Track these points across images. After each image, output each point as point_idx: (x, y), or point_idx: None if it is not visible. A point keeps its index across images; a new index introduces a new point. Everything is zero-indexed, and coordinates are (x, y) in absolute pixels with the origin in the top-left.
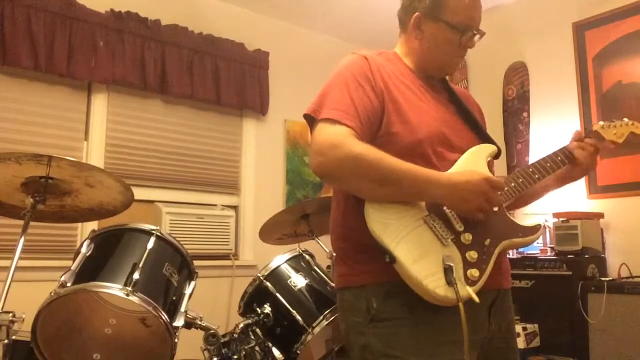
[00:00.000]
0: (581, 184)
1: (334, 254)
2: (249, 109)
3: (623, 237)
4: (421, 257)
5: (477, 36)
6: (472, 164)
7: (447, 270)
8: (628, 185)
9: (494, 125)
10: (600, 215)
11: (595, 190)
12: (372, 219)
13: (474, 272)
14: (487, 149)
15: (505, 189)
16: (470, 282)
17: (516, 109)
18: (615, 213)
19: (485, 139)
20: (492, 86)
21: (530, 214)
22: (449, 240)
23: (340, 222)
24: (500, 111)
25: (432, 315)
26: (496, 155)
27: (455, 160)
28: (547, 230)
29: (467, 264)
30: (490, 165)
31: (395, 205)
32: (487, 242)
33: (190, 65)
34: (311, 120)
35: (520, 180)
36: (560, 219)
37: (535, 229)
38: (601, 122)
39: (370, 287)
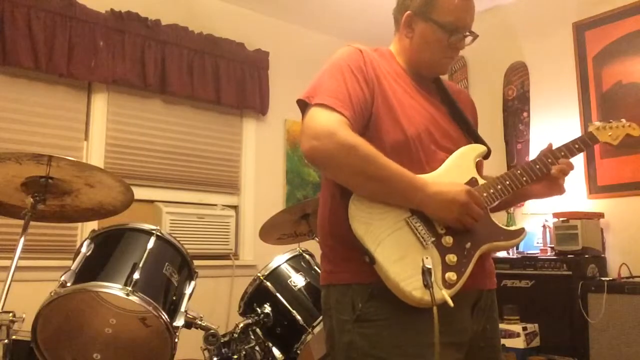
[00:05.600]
0: (581, 184)
1: (320, 251)
2: (249, 109)
3: (623, 237)
4: (401, 258)
5: (470, 38)
6: (460, 164)
7: (425, 273)
8: (628, 185)
9: (494, 125)
10: (600, 215)
11: (595, 190)
12: (355, 219)
13: (451, 276)
14: (477, 149)
15: (491, 191)
16: (448, 285)
17: (516, 109)
18: (615, 213)
19: (476, 139)
20: (492, 86)
21: (530, 214)
22: (430, 242)
23: (327, 219)
24: (500, 111)
25: (415, 316)
26: (486, 156)
27: (444, 160)
28: (547, 230)
29: (445, 267)
30: (479, 165)
31: (379, 206)
32: (468, 245)
33: (191, 65)
34: (304, 105)
35: (507, 182)
36: (561, 219)
37: (518, 233)
38: (597, 123)
39: (355, 287)
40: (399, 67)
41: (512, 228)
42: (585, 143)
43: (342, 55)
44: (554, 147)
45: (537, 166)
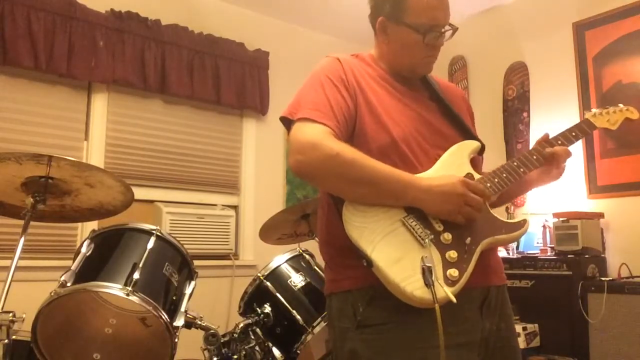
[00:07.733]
0: (581, 184)
1: (323, 261)
2: (249, 109)
3: (623, 237)
4: (399, 259)
5: (449, 32)
6: (454, 161)
7: (425, 272)
8: (628, 185)
9: (494, 125)
10: (600, 215)
11: (595, 190)
12: (350, 223)
13: (453, 272)
14: (470, 145)
15: (488, 184)
16: (450, 282)
17: (516, 109)
18: (615, 213)
19: (469, 135)
20: (492, 86)
21: (530, 214)
22: (428, 240)
23: (325, 228)
24: (500, 111)
25: (418, 318)
26: (480, 151)
27: (437, 158)
28: (547, 230)
29: (446, 264)
30: (475, 161)
31: (373, 209)
32: (468, 240)
33: (191, 65)
34: (288, 122)
35: (504, 175)
36: (561, 219)
37: (520, 225)
38: (594, 110)
39: (355, 292)
40: (381, 70)
41: (514, 220)
42: (582, 130)
43: (320, 67)
44: (550, 137)
45: (534, 157)
